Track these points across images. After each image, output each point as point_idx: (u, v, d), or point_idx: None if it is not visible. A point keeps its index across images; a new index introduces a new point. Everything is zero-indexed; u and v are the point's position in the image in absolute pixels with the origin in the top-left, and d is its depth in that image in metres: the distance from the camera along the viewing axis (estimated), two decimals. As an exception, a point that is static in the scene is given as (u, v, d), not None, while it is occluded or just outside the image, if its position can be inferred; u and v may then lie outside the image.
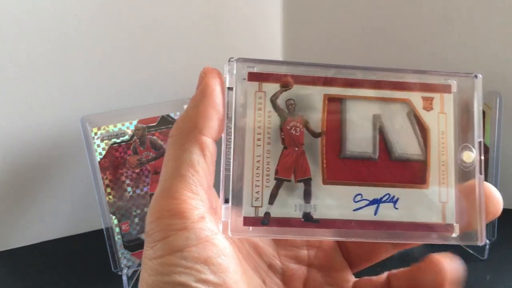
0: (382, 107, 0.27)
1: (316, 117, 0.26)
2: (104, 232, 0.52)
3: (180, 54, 0.60)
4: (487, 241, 0.54)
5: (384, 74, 0.28)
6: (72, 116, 0.56)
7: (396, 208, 0.26)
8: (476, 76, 0.27)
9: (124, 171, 0.53)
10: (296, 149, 0.26)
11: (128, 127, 0.54)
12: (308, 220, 0.25)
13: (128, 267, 0.52)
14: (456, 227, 0.27)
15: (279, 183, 0.26)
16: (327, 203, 0.26)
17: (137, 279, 0.53)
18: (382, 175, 0.26)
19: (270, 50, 0.64)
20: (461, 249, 0.56)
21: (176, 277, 0.22)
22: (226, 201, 0.25)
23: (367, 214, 0.26)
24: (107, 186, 0.53)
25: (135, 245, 0.53)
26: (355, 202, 0.26)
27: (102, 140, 0.53)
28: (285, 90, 0.26)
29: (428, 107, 0.27)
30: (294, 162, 0.26)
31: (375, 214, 0.26)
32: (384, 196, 0.26)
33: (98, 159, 0.52)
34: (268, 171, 0.26)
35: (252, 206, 0.25)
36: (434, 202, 0.26)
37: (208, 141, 0.25)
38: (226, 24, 0.61)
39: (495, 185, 0.54)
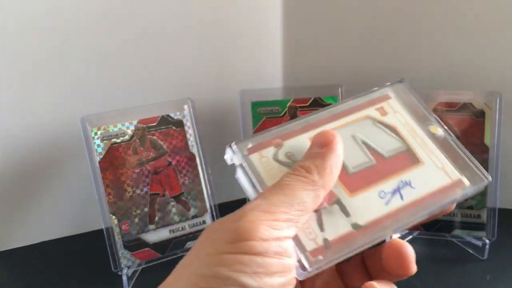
0: (352, 128, 0.33)
1: None
2: (104, 232, 0.52)
3: (180, 54, 0.60)
4: (487, 241, 0.54)
5: (338, 107, 0.34)
6: (72, 116, 0.56)
7: (414, 188, 0.30)
8: (401, 81, 0.35)
9: (124, 171, 0.53)
10: None
11: (128, 127, 0.54)
12: (357, 228, 0.29)
13: (128, 267, 0.52)
14: (464, 178, 0.31)
15: (319, 213, 0.29)
16: (362, 209, 0.29)
17: (137, 279, 0.53)
18: (387, 171, 0.31)
19: (270, 51, 0.64)
20: (461, 249, 0.56)
21: (241, 277, 0.24)
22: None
23: (396, 202, 0.30)
24: (107, 186, 0.53)
25: (135, 245, 0.53)
26: (382, 198, 0.30)
27: (102, 140, 0.53)
28: (280, 148, 0.31)
29: (384, 113, 0.34)
30: None
31: (402, 199, 0.30)
32: (399, 184, 0.30)
33: (98, 159, 0.52)
34: None
35: (310, 240, 0.28)
36: (435, 170, 0.31)
37: (322, 196, 0.28)
38: (227, 25, 0.61)
39: (495, 185, 0.54)
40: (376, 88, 0.34)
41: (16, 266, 0.57)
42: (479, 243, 0.54)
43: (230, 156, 0.31)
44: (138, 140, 0.54)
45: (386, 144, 0.32)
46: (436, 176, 0.31)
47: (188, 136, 0.56)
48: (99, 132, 0.53)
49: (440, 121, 0.33)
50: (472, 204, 0.55)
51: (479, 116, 0.55)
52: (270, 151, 0.31)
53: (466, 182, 0.31)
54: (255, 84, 0.63)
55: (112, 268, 0.52)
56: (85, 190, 0.59)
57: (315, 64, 0.64)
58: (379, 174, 0.31)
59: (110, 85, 0.58)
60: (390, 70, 0.61)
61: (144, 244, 0.53)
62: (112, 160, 0.53)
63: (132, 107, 0.55)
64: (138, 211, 0.54)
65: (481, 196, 0.55)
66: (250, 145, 0.31)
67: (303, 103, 0.59)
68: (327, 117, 0.33)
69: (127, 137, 0.54)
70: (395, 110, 0.34)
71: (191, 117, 0.56)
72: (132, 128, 0.54)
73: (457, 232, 0.56)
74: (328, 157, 0.28)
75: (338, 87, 0.58)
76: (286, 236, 0.26)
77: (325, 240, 0.28)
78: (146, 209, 0.54)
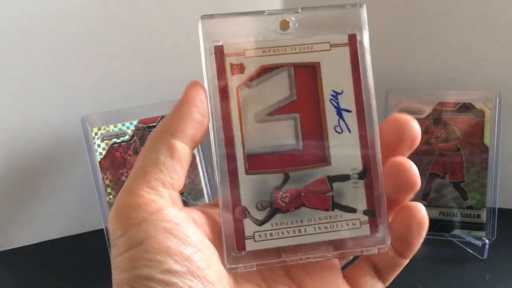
0: (246, 116, 0.27)
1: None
2: (105, 232, 0.52)
3: (180, 54, 0.60)
4: (487, 241, 0.54)
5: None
6: (72, 116, 0.56)
7: (342, 93, 0.27)
8: (205, 17, 0.28)
9: (124, 171, 0.53)
10: (303, 194, 0.27)
11: (128, 127, 0.54)
12: (363, 176, 0.27)
13: (128, 267, 0.52)
14: (345, 30, 0.28)
15: (336, 205, 0.27)
16: (347, 159, 0.27)
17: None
18: (311, 105, 0.27)
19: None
20: (461, 249, 0.56)
21: (140, 271, 0.23)
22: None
23: (350, 118, 0.27)
24: (107, 186, 0.53)
25: (135, 245, 0.53)
26: (340, 132, 0.27)
27: (102, 140, 0.53)
28: (246, 212, 0.26)
29: (239, 68, 0.27)
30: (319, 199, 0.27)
31: (349, 111, 0.27)
32: (332, 104, 0.27)
33: (98, 159, 0.52)
34: None
35: (357, 228, 0.27)
36: (329, 54, 0.27)
37: (178, 144, 0.25)
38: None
39: (495, 185, 0.54)
40: (202, 52, 0.27)
41: (16, 266, 0.57)
42: (479, 243, 0.54)
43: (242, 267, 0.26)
44: (138, 140, 0.54)
45: (279, 87, 0.27)
46: (335, 56, 0.27)
47: (188, 136, 0.56)
48: (99, 132, 0.53)
49: (272, 11, 0.27)
50: (472, 204, 0.55)
51: (479, 116, 0.55)
52: (249, 226, 0.26)
53: (351, 31, 0.28)
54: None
55: (112, 268, 0.52)
56: (85, 190, 0.59)
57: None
58: (313, 116, 0.27)
59: (110, 85, 0.58)
60: (390, 70, 0.61)
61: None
62: (112, 160, 0.53)
63: (132, 107, 0.55)
64: (138, 211, 0.54)
65: (481, 196, 0.55)
66: (244, 253, 0.26)
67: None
68: (228, 139, 0.26)
69: (127, 137, 0.54)
70: (239, 52, 0.26)
71: (191, 117, 0.56)
72: (132, 128, 0.54)
73: (457, 232, 0.56)
74: (176, 105, 0.26)
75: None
76: (161, 205, 0.24)
77: (365, 211, 0.26)
78: (146, 209, 0.54)
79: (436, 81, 0.60)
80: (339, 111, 0.27)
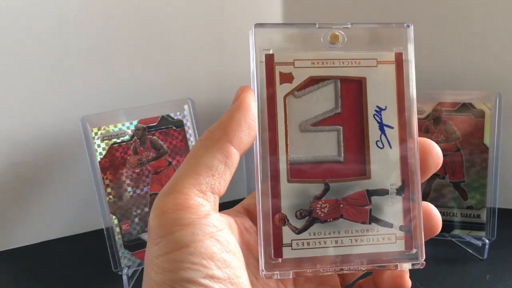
0: (291, 125, 0.28)
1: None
2: (104, 232, 0.52)
3: (180, 54, 0.60)
4: (487, 241, 0.54)
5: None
6: (72, 116, 0.56)
7: (384, 109, 0.28)
8: (258, 25, 0.27)
9: (124, 171, 0.53)
10: (342, 205, 0.27)
11: (128, 127, 0.54)
12: (401, 191, 0.28)
13: (128, 267, 0.52)
14: (395, 49, 0.28)
15: (374, 219, 0.28)
16: (386, 175, 0.28)
17: (137, 279, 0.53)
18: (355, 120, 0.28)
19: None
20: (461, 249, 0.56)
21: (184, 273, 0.22)
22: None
23: (392, 134, 0.28)
24: (107, 186, 0.53)
25: (135, 245, 0.53)
26: (382, 147, 0.28)
27: (102, 140, 0.53)
28: (285, 219, 0.27)
29: (288, 78, 0.27)
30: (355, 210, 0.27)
31: (392, 127, 0.28)
32: (375, 119, 0.28)
33: (99, 159, 0.52)
34: None
35: (393, 242, 0.27)
36: (375, 71, 0.28)
37: (234, 152, 0.25)
38: (227, 25, 0.61)
39: (495, 185, 0.54)
40: (252, 59, 0.27)
41: (16, 266, 0.57)
42: (479, 243, 0.54)
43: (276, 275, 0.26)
44: (138, 140, 0.54)
45: (325, 99, 0.27)
46: (381, 73, 0.27)
47: (188, 136, 0.56)
48: (99, 132, 0.53)
49: (323, 25, 0.27)
50: (472, 204, 0.55)
51: (479, 116, 0.55)
52: (288, 234, 0.26)
53: (398, 49, 0.27)
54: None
55: (112, 268, 0.52)
56: (85, 190, 0.59)
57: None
58: (356, 130, 0.27)
59: (110, 85, 0.58)
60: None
61: (145, 244, 0.53)
62: (112, 160, 0.53)
63: (132, 107, 0.55)
64: (139, 211, 0.54)
65: (481, 196, 0.55)
66: (280, 259, 0.26)
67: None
68: (272, 146, 0.27)
69: (127, 137, 0.54)
70: (289, 62, 0.27)
71: (191, 117, 0.56)
72: (132, 128, 0.54)
73: (457, 232, 0.56)
74: (232, 110, 0.26)
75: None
76: (208, 210, 0.24)
77: (401, 227, 0.27)
78: (146, 209, 0.54)
79: (436, 81, 0.60)
80: (381, 127, 0.27)
